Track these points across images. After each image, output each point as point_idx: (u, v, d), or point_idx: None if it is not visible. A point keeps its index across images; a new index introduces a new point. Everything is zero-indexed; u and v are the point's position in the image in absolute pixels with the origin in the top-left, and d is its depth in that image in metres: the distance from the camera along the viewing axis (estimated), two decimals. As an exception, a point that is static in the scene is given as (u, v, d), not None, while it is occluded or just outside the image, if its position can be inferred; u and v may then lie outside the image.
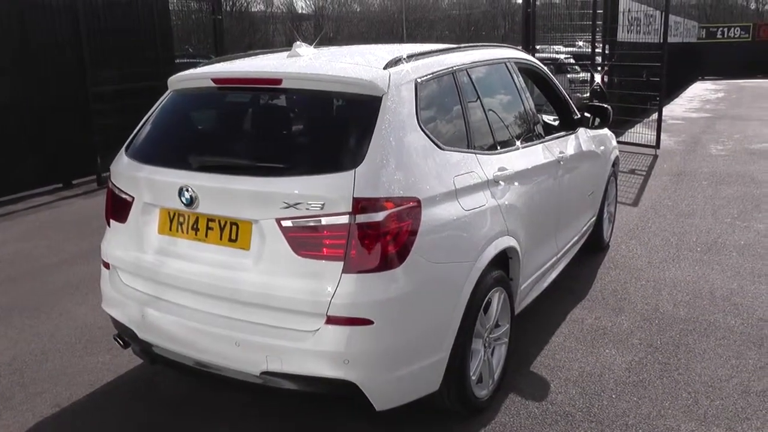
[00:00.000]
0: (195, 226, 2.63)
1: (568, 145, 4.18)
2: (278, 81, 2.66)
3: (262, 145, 2.73)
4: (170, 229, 2.72)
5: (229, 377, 2.58)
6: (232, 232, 2.54)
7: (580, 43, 14.10)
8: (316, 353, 2.38)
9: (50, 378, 3.53)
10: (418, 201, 2.46)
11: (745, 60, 29.15)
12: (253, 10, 54.87)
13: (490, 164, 3.05)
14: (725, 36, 32.89)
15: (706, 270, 5.00)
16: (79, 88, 8.22)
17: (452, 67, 3.06)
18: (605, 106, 4.43)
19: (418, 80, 2.74)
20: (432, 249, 2.50)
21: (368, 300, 2.35)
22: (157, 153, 2.86)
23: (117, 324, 3.01)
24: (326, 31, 72.45)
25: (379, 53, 2.93)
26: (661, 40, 10.44)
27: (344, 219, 2.32)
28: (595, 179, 4.76)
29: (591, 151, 4.62)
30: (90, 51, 8.21)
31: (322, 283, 2.36)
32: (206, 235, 2.61)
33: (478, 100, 3.20)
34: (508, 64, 3.70)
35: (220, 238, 2.57)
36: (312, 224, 2.36)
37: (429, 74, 2.85)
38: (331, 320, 2.36)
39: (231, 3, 46.56)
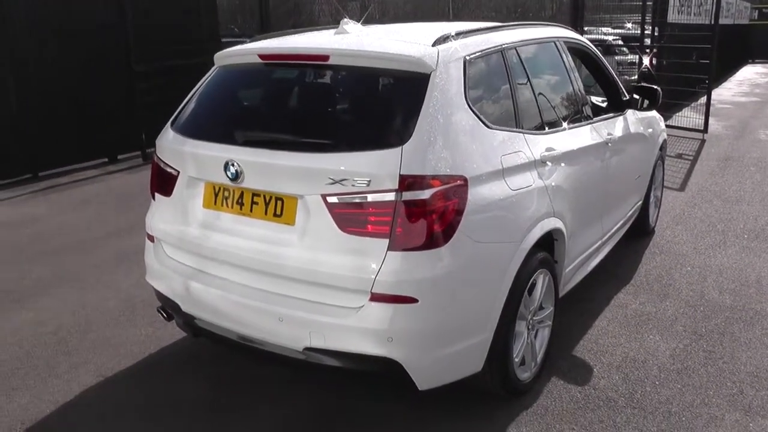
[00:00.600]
0: (240, 201, 2.64)
1: (617, 126, 4.07)
2: (325, 57, 2.63)
3: (308, 121, 2.72)
4: (215, 204, 2.74)
5: (272, 352, 2.59)
6: (277, 207, 2.54)
7: (629, 25, 13.74)
8: (359, 330, 2.37)
9: (94, 348, 3.62)
10: (465, 179, 2.42)
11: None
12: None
13: (537, 144, 2.99)
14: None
15: (753, 258, 4.86)
16: (123, 65, 8.33)
17: (501, 45, 2.99)
18: (655, 87, 4.30)
19: (467, 58, 2.69)
20: (478, 228, 2.47)
21: (413, 278, 2.33)
22: (202, 128, 2.87)
23: (161, 296, 3.06)
24: (372, 11, 72.02)
25: (426, 31, 2.89)
26: (712, 21, 10.08)
27: (390, 196, 2.30)
28: (643, 162, 4.64)
29: (639, 133, 4.50)
30: (134, 28, 8.29)
31: (367, 260, 2.35)
32: (251, 210, 2.62)
33: (527, 79, 3.13)
34: (557, 43, 3.61)
35: (265, 213, 2.58)
36: (357, 201, 2.35)
37: (478, 52, 2.79)
38: (375, 297, 2.35)
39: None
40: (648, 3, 10.91)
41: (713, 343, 3.60)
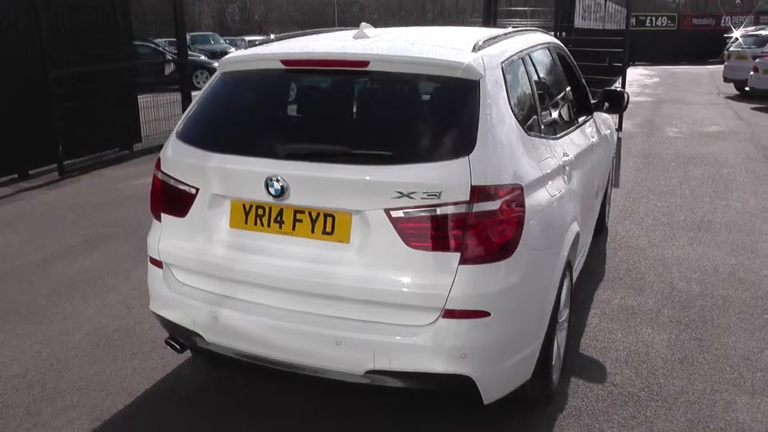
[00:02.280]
0: (279, 219, 2.45)
1: (593, 128, 4.21)
2: (365, 63, 2.50)
3: (362, 131, 2.56)
4: (246, 223, 2.52)
5: (325, 378, 2.43)
6: (326, 224, 2.38)
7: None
8: (430, 348, 2.27)
9: (78, 388, 3.26)
10: (521, 188, 2.39)
11: (672, 47, 30.60)
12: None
13: (558, 149, 3.01)
14: (653, 24, 34.73)
15: (704, 247, 5.18)
16: (35, 69, 7.56)
17: (520, 52, 2.99)
18: (621, 90, 4.49)
19: (503, 64, 2.66)
20: (533, 236, 2.44)
21: (485, 291, 2.27)
22: (230, 140, 2.64)
23: (172, 327, 2.80)
24: (254, 14, 70.87)
25: (451, 36, 2.83)
26: (625, 27, 10.75)
27: (462, 208, 2.22)
28: (607, 161, 4.83)
29: (604, 134, 4.67)
30: (47, 30, 7.54)
31: (438, 276, 2.25)
32: (293, 228, 2.43)
33: (540, 85, 3.15)
34: (550, 48, 3.67)
35: (312, 231, 2.40)
36: (426, 214, 2.24)
37: (508, 58, 2.77)
38: (448, 314, 2.26)
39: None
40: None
41: (700, 332, 3.79)
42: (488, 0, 12.14)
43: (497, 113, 2.42)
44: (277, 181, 2.36)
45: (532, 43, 3.28)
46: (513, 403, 2.96)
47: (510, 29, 3.16)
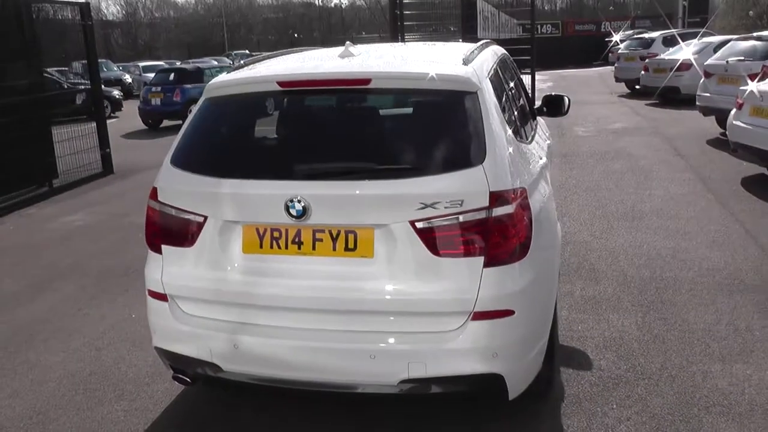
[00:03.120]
0: (297, 240, 2.46)
1: (543, 132, 4.46)
2: (366, 81, 2.55)
3: (377, 147, 2.60)
4: (261, 247, 2.51)
5: (359, 393, 2.46)
6: (348, 240, 2.41)
7: (453, 41, 14.82)
8: (463, 351, 2.36)
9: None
10: (525, 190, 2.53)
11: (558, 52, 32.41)
12: (60, 16, 50.29)
13: (534, 153, 3.19)
14: (539, 31, 36.64)
15: (642, 234, 5.58)
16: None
17: (494, 63, 3.15)
18: (563, 95, 4.77)
19: (489, 76, 2.81)
20: (540, 235, 2.58)
21: (509, 291, 2.38)
22: (240, 165, 2.61)
23: (183, 360, 2.72)
24: (139, 38, 68.41)
25: (432, 50, 2.94)
26: (531, 35, 11.32)
27: (482, 214, 2.33)
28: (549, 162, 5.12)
29: (546, 136, 4.96)
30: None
31: (465, 280, 2.34)
32: (313, 248, 2.44)
33: (510, 94, 3.33)
34: (506, 58, 3.87)
35: (334, 249, 2.43)
36: (450, 222, 2.33)
37: (489, 69, 2.92)
38: (477, 316, 2.35)
39: (36, 10, 42.21)
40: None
41: (661, 312, 4.09)
42: (393, 16, 12.49)
43: (495, 122, 2.55)
44: (299, 201, 2.37)
45: (498, 54, 3.46)
46: (520, 396, 3.10)
47: (480, 43, 3.32)
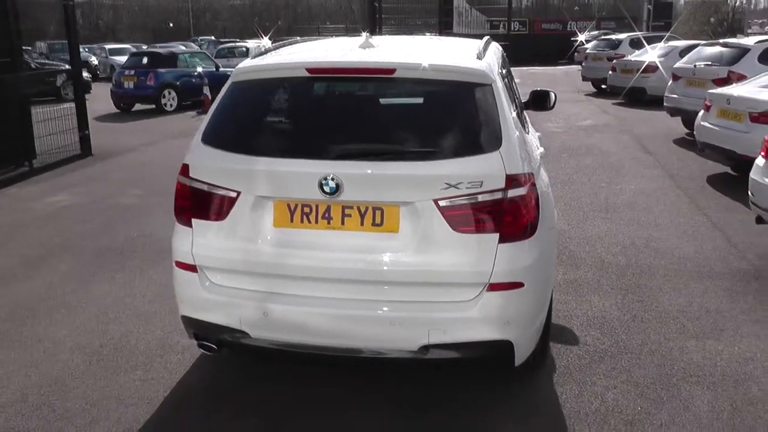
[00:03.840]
0: (326, 216, 2.65)
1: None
2: (392, 71, 2.76)
3: (405, 131, 2.78)
4: (291, 221, 2.69)
5: (380, 357, 2.67)
6: (375, 216, 2.62)
7: (428, 34, 15.06)
8: (479, 319, 2.59)
9: (91, 404, 3.21)
10: (533, 175, 2.77)
11: (524, 50, 32.89)
12: (19, -4, 48.72)
13: (533, 143, 3.44)
14: (507, 29, 37.23)
15: (616, 225, 5.92)
16: None
17: (499, 58, 3.39)
18: (548, 90, 5.04)
19: (498, 69, 3.04)
20: (544, 217, 2.83)
21: (521, 265, 2.63)
22: (276, 144, 2.78)
23: (211, 328, 2.88)
24: (101, 19, 66.75)
25: (445, 45, 3.16)
26: (506, 32, 11.60)
27: (499, 194, 2.56)
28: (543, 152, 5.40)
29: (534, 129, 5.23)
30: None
31: (482, 255, 2.58)
32: (342, 223, 2.64)
33: (511, 87, 3.56)
34: (503, 54, 4.11)
35: (361, 224, 2.63)
36: (470, 201, 2.56)
37: (497, 64, 3.15)
38: (492, 287, 2.59)
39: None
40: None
41: (638, 294, 4.41)
42: (372, 9, 12.68)
43: (507, 112, 2.78)
44: (332, 179, 2.57)
45: (500, 51, 3.70)
46: (517, 367, 3.36)
47: (483, 40, 3.55)
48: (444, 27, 13.14)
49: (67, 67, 10.27)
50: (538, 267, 2.73)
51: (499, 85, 2.86)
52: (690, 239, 5.49)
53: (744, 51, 9.32)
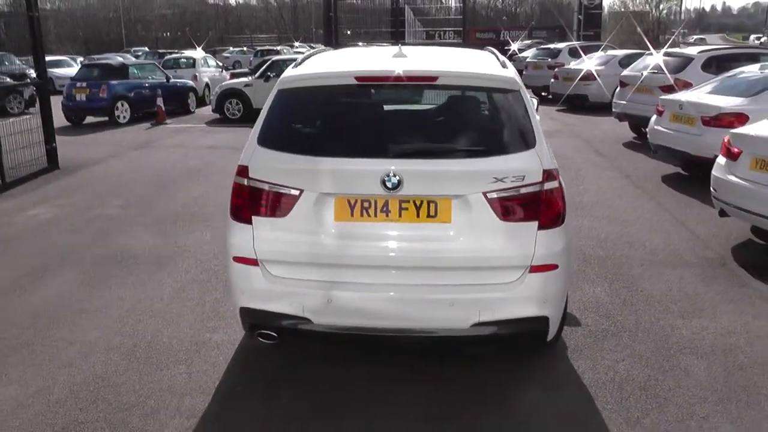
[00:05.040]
0: (385, 209, 2.94)
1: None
2: (434, 78, 3.10)
3: (455, 131, 3.11)
4: (351, 216, 2.97)
5: (434, 335, 2.98)
6: (430, 209, 2.93)
7: (383, 44, 15.49)
8: (523, 298, 2.94)
9: (147, 396, 3.37)
10: (559, 170, 3.15)
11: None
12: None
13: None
14: (442, 38, 38.20)
15: (588, 221, 6.42)
16: None
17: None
18: (534, 97, 5.49)
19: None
20: (566, 207, 3.21)
21: (555, 250, 3.00)
22: (336, 145, 3.04)
23: (270, 317, 3.10)
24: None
25: (470, 55, 3.52)
26: (462, 41, 12.12)
27: (537, 187, 2.93)
28: None
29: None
30: None
31: (525, 241, 2.93)
32: (399, 216, 2.94)
33: None
34: None
35: (417, 216, 2.94)
36: (514, 194, 2.91)
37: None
38: (533, 269, 2.94)
39: None
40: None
41: (623, 282, 4.87)
42: (328, 20, 13.00)
43: (533, 114, 3.16)
44: (394, 176, 2.87)
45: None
46: (534, 346, 3.73)
47: (493, 50, 3.92)
48: (399, 37, 13.57)
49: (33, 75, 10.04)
50: (567, 251, 3.11)
51: (525, 91, 3.22)
52: (657, 233, 6.03)
53: (688, 60, 10.14)
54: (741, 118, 6.94)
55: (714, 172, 5.59)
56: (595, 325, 4.14)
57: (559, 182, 3.03)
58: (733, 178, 5.37)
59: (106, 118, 14.50)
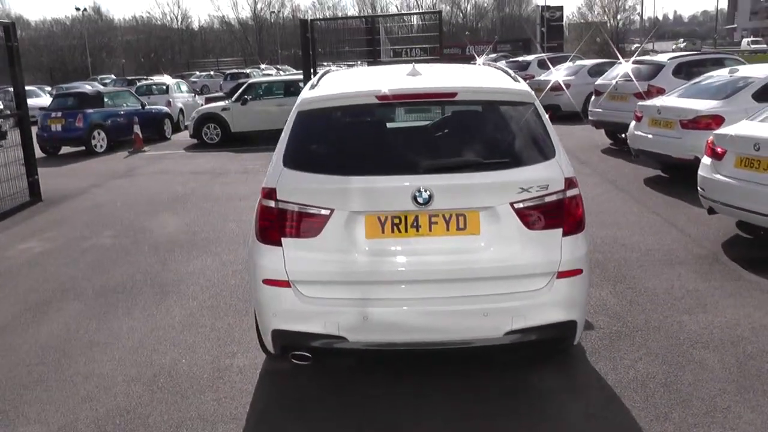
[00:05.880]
0: (415, 224, 3.00)
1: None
2: (453, 94, 3.19)
3: (479, 145, 3.18)
4: (382, 232, 3.02)
5: (471, 346, 3.05)
6: (459, 222, 3.00)
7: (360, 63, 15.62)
8: (553, 303, 3.02)
9: (178, 426, 3.34)
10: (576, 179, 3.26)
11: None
12: None
13: None
14: (409, 55, 38.70)
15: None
16: None
17: None
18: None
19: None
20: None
21: (579, 255, 3.09)
22: (364, 164, 3.09)
23: (304, 337, 3.12)
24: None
25: (481, 71, 3.63)
26: (438, 58, 12.30)
27: (560, 195, 3.03)
28: None
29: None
30: None
31: (551, 248, 3.02)
32: (430, 230, 3.00)
33: None
34: None
35: (447, 229, 3.00)
36: (539, 203, 3.00)
37: None
38: (560, 275, 3.03)
39: None
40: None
41: (626, 283, 5.00)
42: (305, 41, 13.08)
43: (550, 125, 3.27)
44: (426, 191, 2.94)
45: None
46: (554, 352, 3.81)
47: (500, 65, 4.05)
48: (376, 56, 13.77)
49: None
50: (588, 255, 3.21)
51: (539, 103, 3.33)
52: (650, 234, 6.20)
53: (659, 67, 10.48)
54: (717, 120, 7.20)
55: (700, 172, 5.79)
56: (608, 326, 4.25)
57: (578, 189, 3.14)
58: (719, 176, 5.58)
59: (83, 148, 14.33)
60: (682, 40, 68.99)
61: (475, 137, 3.30)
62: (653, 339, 4.03)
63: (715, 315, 4.34)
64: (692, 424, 3.14)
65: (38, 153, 14.37)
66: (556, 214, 3.04)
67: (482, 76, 3.62)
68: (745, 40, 59.06)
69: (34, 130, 14.67)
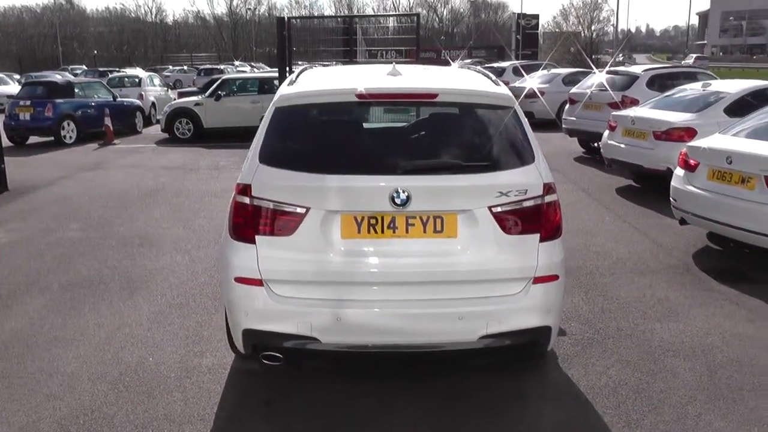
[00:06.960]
0: (392, 225, 2.96)
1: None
2: (434, 95, 3.15)
3: (457, 148, 3.15)
4: (358, 232, 2.97)
5: (444, 350, 3.02)
6: (436, 224, 2.97)
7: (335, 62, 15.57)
8: (528, 309, 3.01)
9: (143, 426, 3.25)
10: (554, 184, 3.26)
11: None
12: None
13: None
14: (385, 57, 38.78)
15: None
16: None
17: None
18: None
19: None
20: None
21: (555, 261, 3.09)
22: (342, 162, 3.03)
23: (276, 338, 3.06)
24: None
25: (461, 73, 3.60)
26: (416, 60, 12.32)
27: (539, 200, 3.02)
28: None
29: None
30: None
31: (528, 253, 3.01)
32: (407, 232, 2.97)
33: None
34: None
35: (424, 232, 2.97)
36: (517, 207, 2.99)
37: None
38: (537, 280, 3.02)
39: None
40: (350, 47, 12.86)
41: (598, 290, 5.04)
42: (281, 39, 12.99)
43: (530, 130, 3.26)
44: (403, 192, 2.90)
45: None
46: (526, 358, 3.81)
47: (479, 68, 4.04)
48: (352, 56, 13.73)
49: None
50: (564, 261, 3.21)
51: (519, 108, 3.33)
52: (621, 243, 6.27)
53: (634, 78, 10.62)
54: (690, 132, 7.32)
55: (673, 183, 5.87)
56: (580, 333, 4.27)
57: (557, 195, 3.14)
58: (691, 188, 5.66)
59: (52, 138, 13.99)
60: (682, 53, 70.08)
61: (454, 139, 3.28)
62: (625, 346, 4.06)
63: (686, 324, 4.39)
64: (663, 430, 3.16)
65: (5, 142, 14.11)
66: (534, 219, 3.03)
67: (463, 79, 3.61)
68: (692, 56, 61.67)
69: (1, 118, 14.45)
